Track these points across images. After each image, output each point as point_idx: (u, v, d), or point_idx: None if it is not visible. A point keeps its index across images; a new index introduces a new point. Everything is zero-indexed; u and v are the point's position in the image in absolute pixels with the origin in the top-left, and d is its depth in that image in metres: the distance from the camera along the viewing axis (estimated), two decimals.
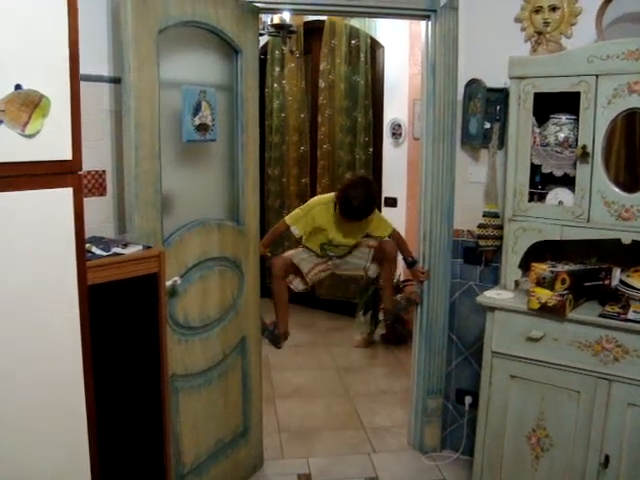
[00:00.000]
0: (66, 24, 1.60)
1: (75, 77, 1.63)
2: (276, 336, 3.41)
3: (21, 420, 1.63)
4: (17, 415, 1.62)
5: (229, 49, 2.85)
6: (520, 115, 2.72)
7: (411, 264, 3.42)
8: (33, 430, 1.66)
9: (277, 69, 6.03)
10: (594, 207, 2.56)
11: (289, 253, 3.40)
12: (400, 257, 3.50)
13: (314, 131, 5.94)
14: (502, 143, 3.02)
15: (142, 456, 2.27)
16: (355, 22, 5.46)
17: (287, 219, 3.32)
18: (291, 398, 4.26)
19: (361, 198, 3.08)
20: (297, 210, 3.35)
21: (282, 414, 4.00)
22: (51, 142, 1.59)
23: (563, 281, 2.58)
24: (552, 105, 2.68)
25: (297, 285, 3.40)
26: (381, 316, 5.27)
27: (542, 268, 2.66)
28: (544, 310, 2.54)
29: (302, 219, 3.29)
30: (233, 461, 3.10)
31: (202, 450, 2.88)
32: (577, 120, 2.59)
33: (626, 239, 2.50)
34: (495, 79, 2.94)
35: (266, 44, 5.82)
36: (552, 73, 2.61)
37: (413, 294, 3.47)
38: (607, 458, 2.47)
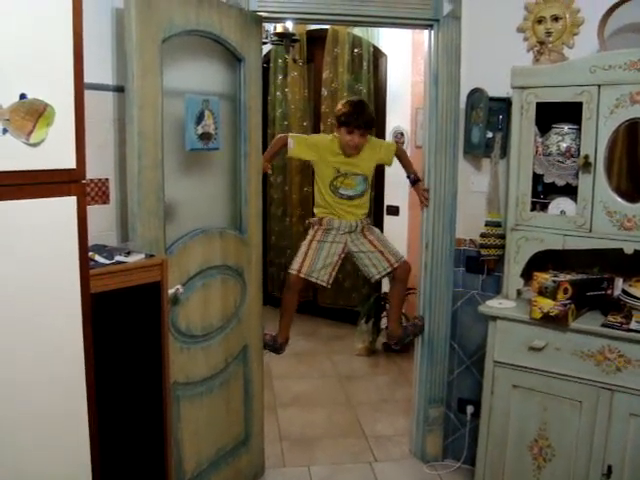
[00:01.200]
0: (71, 33, 1.60)
1: (79, 86, 1.64)
2: (276, 347, 3.40)
3: (23, 425, 1.63)
4: (19, 420, 1.62)
5: (232, 58, 2.86)
6: (522, 125, 2.72)
7: (414, 182, 3.39)
8: (35, 436, 1.66)
9: (280, 77, 6.04)
10: (596, 217, 2.56)
11: (305, 270, 3.26)
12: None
13: None
14: (504, 152, 3.03)
15: (143, 464, 2.26)
16: (358, 31, 5.47)
17: (290, 134, 3.34)
18: (292, 406, 4.25)
19: (356, 101, 3.19)
20: (305, 135, 3.37)
21: (283, 422, 3.99)
22: (55, 151, 1.60)
23: (565, 291, 2.58)
24: (554, 115, 2.68)
25: (317, 282, 3.35)
26: (383, 324, 5.28)
27: (544, 277, 2.66)
28: (546, 320, 2.53)
29: (303, 140, 3.33)
30: (234, 469, 3.10)
31: (203, 458, 2.88)
32: (579, 130, 2.59)
33: (628, 249, 2.50)
34: (498, 88, 2.95)
35: (269, 52, 5.84)
36: (554, 83, 2.62)
37: (417, 319, 3.44)
38: (610, 468, 2.47)
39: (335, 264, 3.31)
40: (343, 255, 3.33)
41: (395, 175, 5.22)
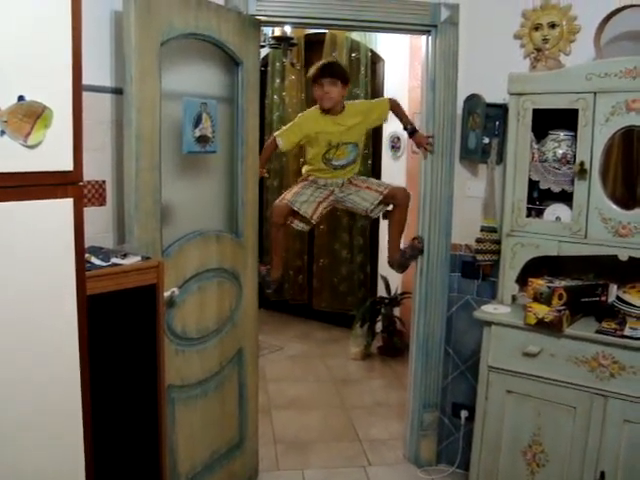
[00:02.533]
0: (70, 35, 1.61)
1: (78, 88, 1.64)
2: (268, 282, 3.37)
3: (18, 425, 1.63)
4: (15, 422, 1.62)
5: (230, 61, 2.87)
6: (519, 131, 2.73)
7: (411, 132, 3.35)
8: (30, 437, 1.66)
9: (277, 81, 6.05)
10: (591, 223, 2.57)
11: (289, 197, 3.28)
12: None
13: None
14: (501, 158, 3.04)
15: (138, 466, 2.26)
16: (356, 35, 5.49)
17: (276, 133, 3.34)
18: (287, 409, 4.25)
19: (324, 62, 3.28)
20: (288, 125, 3.37)
21: (278, 425, 3.99)
22: (53, 153, 1.60)
23: (560, 297, 2.59)
24: (551, 121, 2.70)
25: (298, 224, 3.33)
26: (378, 328, 5.29)
27: (539, 283, 2.67)
28: (541, 325, 2.54)
29: (288, 130, 3.30)
30: (228, 472, 3.10)
31: (197, 461, 2.87)
32: (575, 137, 2.61)
33: (623, 255, 2.51)
34: (494, 95, 2.96)
35: (267, 56, 5.85)
36: (551, 90, 2.64)
37: (415, 241, 3.39)
38: (603, 475, 2.47)
39: (321, 202, 3.27)
40: (331, 199, 3.31)
41: (390, 179, 5.23)
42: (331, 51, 5.62)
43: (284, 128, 3.33)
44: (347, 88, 3.25)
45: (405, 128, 3.38)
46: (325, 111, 3.21)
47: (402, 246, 3.49)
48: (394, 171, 5.40)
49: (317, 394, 4.53)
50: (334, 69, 3.21)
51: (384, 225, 5.43)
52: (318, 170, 3.30)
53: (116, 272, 2.09)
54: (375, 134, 5.53)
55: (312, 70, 3.23)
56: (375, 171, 5.58)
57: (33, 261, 1.61)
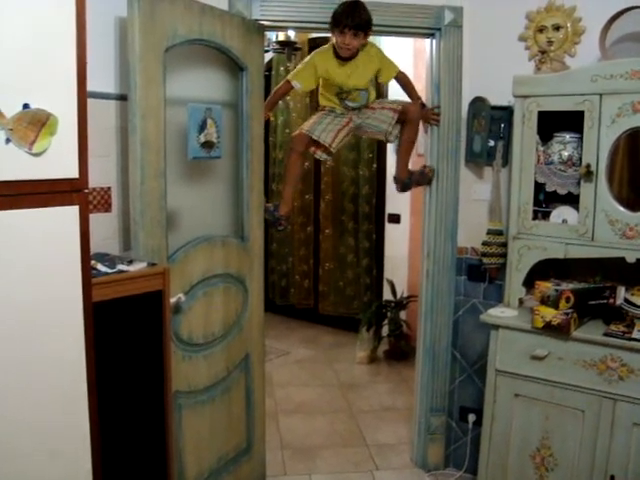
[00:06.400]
0: (74, 42, 1.61)
1: (83, 96, 1.65)
2: (277, 218, 3.26)
3: (25, 433, 1.63)
4: (20, 430, 1.62)
5: (235, 66, 2.87)
6: (524, 133, 2.73)
7: (420, 107, 3.26)
8: (36, 444, 1.66)
9: (289, 75, 6.04)
10: (598, 225, 2.56)
11: (306, 127, 3.19)
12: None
13: None
14: (506, 161, 3.03)
15: (145, 473, 2.26)
16: None
17: (289, 76, 3.23)
18: (294, 414, 4.24)
19: (349, 2, 2.96)
20: (298, 66, 3.26)
21: (285, 431, 3.99)
22: (58, 160, 1.61)
23: (567, 299, 2.57)
24: (556, 123, 2.69)
25: (321, 155, 3.23)
26: (384, 332, 5.28)
27: (546, 286, 2.66)
28: (548, 329, 2.53)
29: (302, 71, 3.17)
30: (236, 478, 3.09)
31: (205, 467, 2.87)
32: (581, 139, 2.60)
33: (630, 258, 2.50)
34: (499, 97, 2.95)
35: (271, 60, 5.85)
36: (556, 92, 2.63)
37: (427, 169, 3.32)
38: (612, 478, 2.46)
39: (340, 129, 3.18)
40: (350, 126, 3.22)
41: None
42: None
43: (297, 70, 3.20)
44: (369, 36, 3.08)
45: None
46: (339, 56, 3.08)
47: (413, 170, 3.41)
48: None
49: (324, 399, 4.52)
50: (361, 20, 2.96)
51: (389, 229, 5.48)
52: (334, 104, 3.21)
53: (122, 279, 2.09)
54: None
55: (337, 11, 2.97)
56: (379, 174, 5.58)
57: (39, 269, 1.61)
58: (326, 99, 3.22)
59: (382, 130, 3.21)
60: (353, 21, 2.92)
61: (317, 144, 3.16)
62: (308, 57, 3.21)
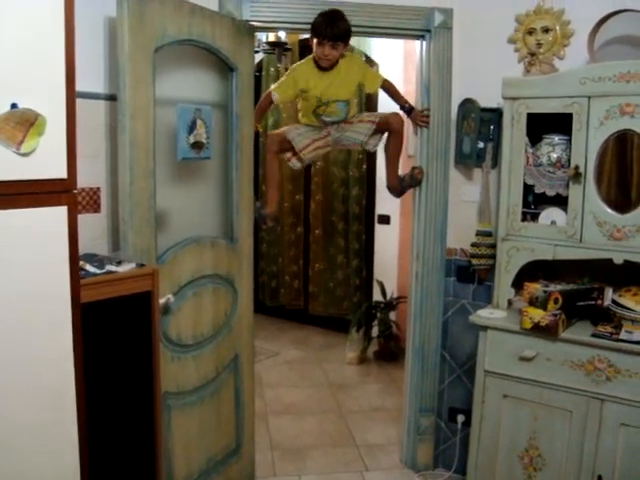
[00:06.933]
0: (63, 43, 1.61)
1: (71, 96, 1.64)
2: (263, 215, 3.28)
3: (11, 434, 1.62)
4: (7, 430, 1.61)
5: (225, 67, 2.87)
6: (513, 135, 2.74)
7: (409, 111, 3.28)
8: (23, 444, 1.65)
9: (272, 86, 6.04)
10: (586, 227, 2.57)
11: (284, 128, 3.24)
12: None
13: None
14: (495, 163, 3.04)
15: (134, 474, 2.25)
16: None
17: (271, 87, 3.24)
18: (283, 415, 4.24)
19: (328, 11, 2.96)
20: (281, 78, 3.27)
21: (274, 431, 3.98)
22: (46, 161, 1.60)
23: (556, 301, 2.59)
24: (545, 125, 2.70)
25: (295, 163, 3.24)
26: (374, 333, 5.28)
27: (535, 287, 2.67)
28: (537, 330, 2.54)
29: (283, 83, 3.19)
30: (225, 479, 3.08)
31: (194, 468, 2.86)
32: (570, 141, 2.61)
33: (618, 259, 2.52)
34: (489, 99, 2.96)
35: (261, 61, 5.85)
36: (545, 94, 2.64)
37: (416, 170, 3.32)
38: (600, 478, 2.47)
39: (316, 140, 3.20)
40: (328, 139, 3.24)
41: (385, 184, 5.22)
42: None
43: (279, 81, 3.23)
44: (348, 45, 3.10)
45: (402, 108, 3.30)
46: (319, 66, 3.09)
47: (402, 175, 3.40)
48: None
49: (313, 399, 4.52)
50: (340, 31, 2.97)
51: (379, 230, 5.48)
52: (311, 122, 3.23)
53: (111, 279, 2.08)
54: None
55: (316, 22, 2.97)
56: (369, 175, 5.59)
57: (27, 269, 1.60)
58: (304, 117, 3.23)
59: (358, 141, 3.24)
60: (332, 32, 2.94)
61: (293, 151, 3.19)
62: (290, 69, 3.25)
